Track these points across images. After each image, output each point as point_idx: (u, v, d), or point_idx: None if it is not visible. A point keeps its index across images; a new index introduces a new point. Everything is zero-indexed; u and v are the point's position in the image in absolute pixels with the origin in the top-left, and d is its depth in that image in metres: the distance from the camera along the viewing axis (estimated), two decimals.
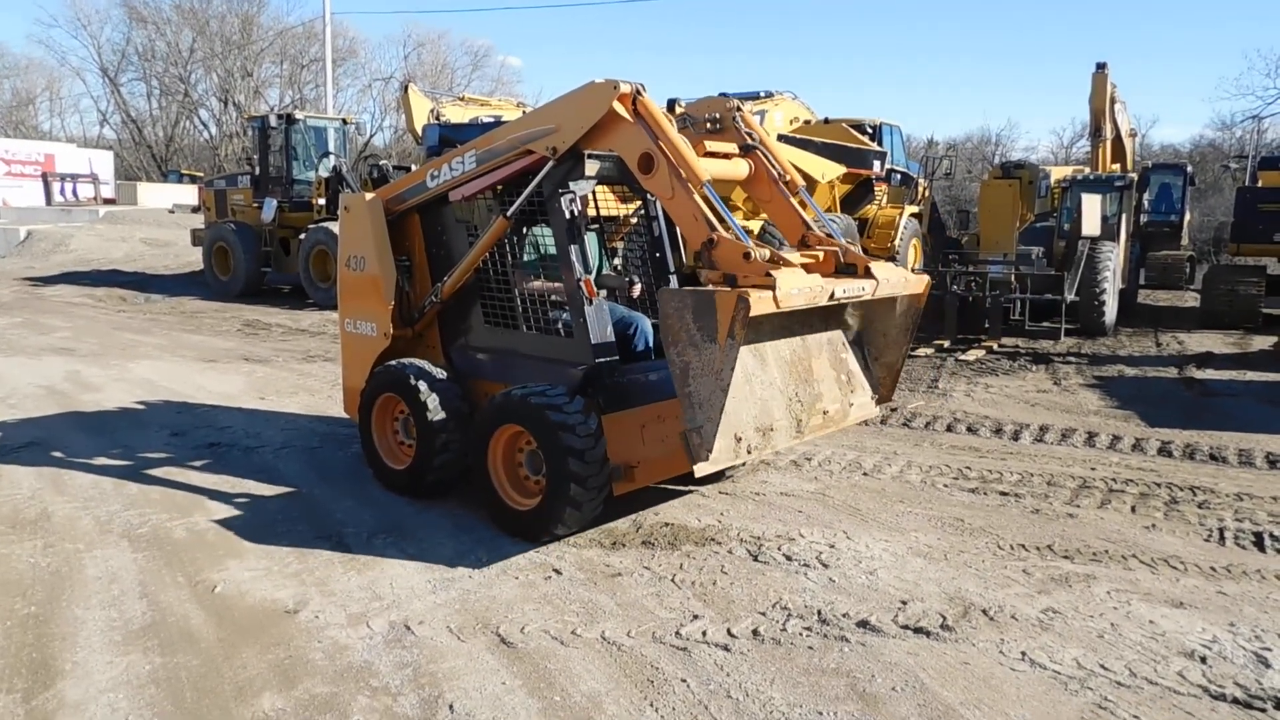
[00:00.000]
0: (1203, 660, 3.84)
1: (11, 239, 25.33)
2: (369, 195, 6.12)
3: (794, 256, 4.54)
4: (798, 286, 4.18)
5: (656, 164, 4.57)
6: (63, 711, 3.44)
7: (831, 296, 4.40)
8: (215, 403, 8.42)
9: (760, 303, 3.97)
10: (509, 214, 5.29)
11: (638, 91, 4.71)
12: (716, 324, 3.99)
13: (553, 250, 5.39)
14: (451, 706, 3.49)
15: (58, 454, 6.68)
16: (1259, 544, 5.21)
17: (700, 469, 4.14)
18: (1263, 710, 3.48)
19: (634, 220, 6.28)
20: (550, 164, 5.06)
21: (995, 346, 12.06)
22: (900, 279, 4.89)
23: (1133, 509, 5.80)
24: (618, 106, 4.71)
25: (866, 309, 5.21)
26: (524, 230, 5.65)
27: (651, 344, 5.72)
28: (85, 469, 6.33)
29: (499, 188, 5.47)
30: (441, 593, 4.45)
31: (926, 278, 5.13)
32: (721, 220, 4.53)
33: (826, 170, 13.68)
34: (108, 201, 34.87)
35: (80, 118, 79.70)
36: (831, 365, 4.98)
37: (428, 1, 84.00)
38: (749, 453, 4.38)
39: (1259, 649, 3.94)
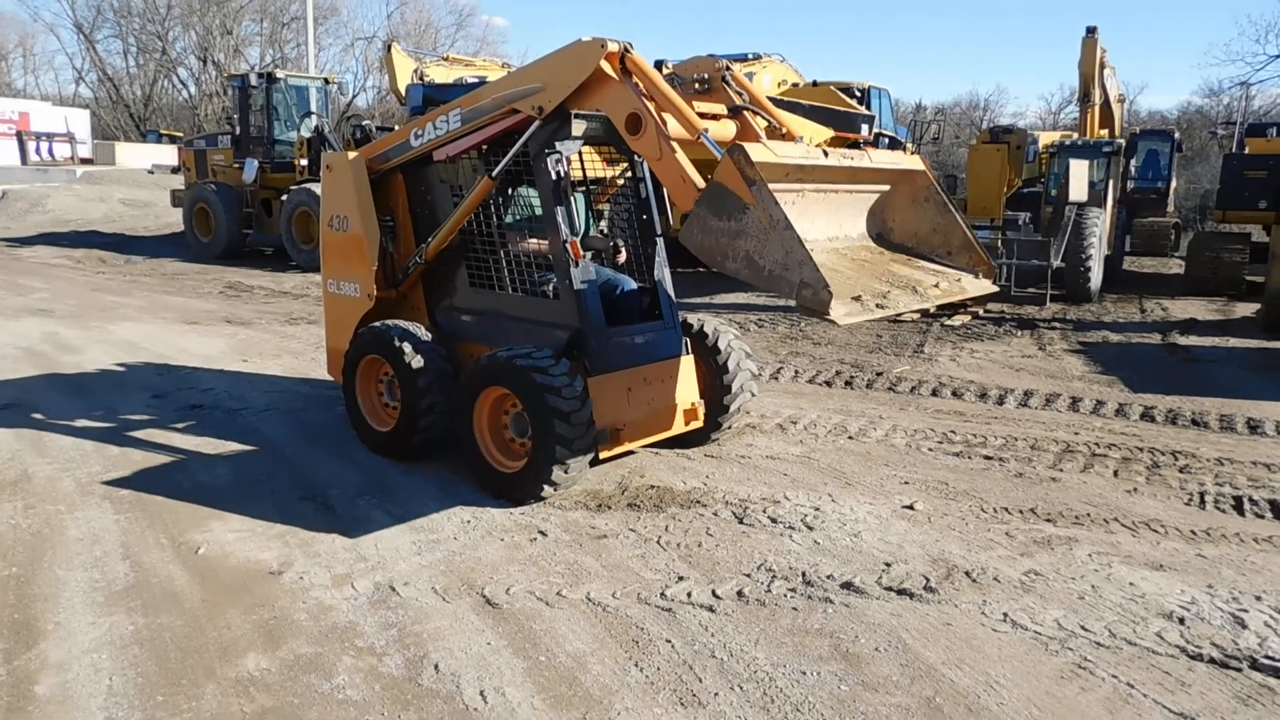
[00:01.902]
0: (1181, 621, 3.89)
1: None
2: (351, 154, 6.03)
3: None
4: (785, 144, 4.33)
5: (644, 124, 4.51)
6: (45, 671, 3.43)
7: (825, 155, 4.47)
8: (197, 365, 8.35)
9: (756, 150, 4.03)
10: (494, 174, 5.22)
11: (626, 49, 4.64)
12: (734, 192, 3.99)
13: (539, 211, 5.34)
14: (437, 666, 3.50)
15: (37, 415, 6.61)
16: (1238, 508, 5.26)
17: (838, 316, 3.83)
18: (1239, 670, 3.53)
19: (620, 182, 6.22)
20: (536, 124, 4.98)
21: (980, 312, 12.09)
22: (894, 157, 4.98)
23: (1115, 473, 5.84)
24: (605, 65, 4.63)
25: (897, 220, 5.16)
26: (510, 191, 5.59)
27: (638, 307, 5.68)
28: (66, 431, 6.27)
29: (484, 147, 5.39)
30: (426, 554, 4.45)
31: (918, 158, 5.14)
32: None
33: (814, 134, 13.58)
34: (85, 161, 34.32)
35: (55, 75, 78.35)
36: (911, 268, 4.93)
37: None
38: (878, 309, 4.20)
39: (1236, 610, 3.98)
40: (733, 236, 4.03)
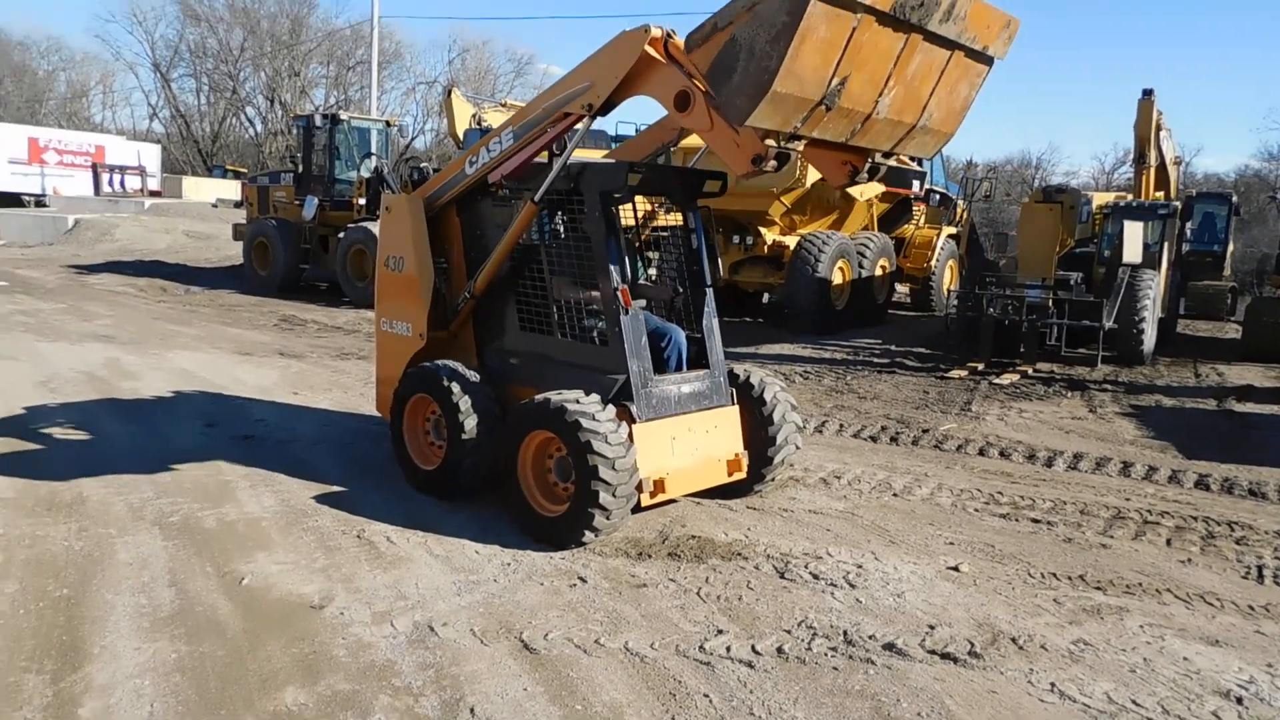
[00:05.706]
0: (1239, 701, 3.75)
1: (60, 227, 25.85)
2: (410, 196, 6.17)
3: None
4: None
5: (693, 99, 4.57)
6: (90, 694, 3.48)
7: None
8: (250, 395, 8.52)
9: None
10: (537, 198, 5.32)
11: (669, 35, 4.74)
12: (718, 55, 4.28)
13: (590, 259, 5.40)
14: (473, 710, 3.49)
15: (94, 439, 6.78)
16: None
17: None
18: None
19: (667, 233, 6.28)
20: (586, 119, 5.08)
21: (1030, 371, 11.91)
22: None
23: (1168, 542, 5.69)
24: (650, 50, 4.74)
25: None
26: (561, 237, 5.66)
27: (685, 356, 5.71)
28: (120, 455, 6.42)
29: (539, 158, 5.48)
30: (466, 595, 4.46)
31: None
32: None
33: (865, 189, 13.60)
34: (154, 194, 35.50)
35: (131, 111, 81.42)
36: None
37: (473, 8, 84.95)
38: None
39: None
40: (750, 54, 4.15)
